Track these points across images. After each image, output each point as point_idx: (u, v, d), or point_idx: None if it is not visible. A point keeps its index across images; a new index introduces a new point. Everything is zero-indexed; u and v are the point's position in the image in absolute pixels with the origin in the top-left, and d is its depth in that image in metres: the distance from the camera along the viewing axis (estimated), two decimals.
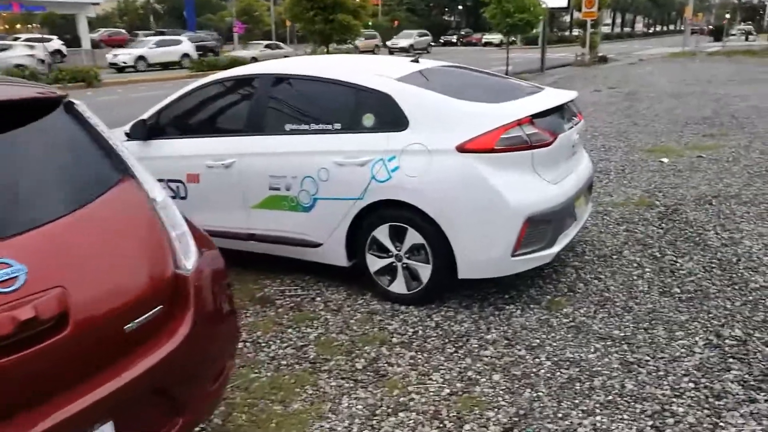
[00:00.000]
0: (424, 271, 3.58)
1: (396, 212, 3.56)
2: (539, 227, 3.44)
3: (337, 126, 3.75)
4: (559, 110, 3.83)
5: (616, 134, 9.01)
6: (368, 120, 3.67)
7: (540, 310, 3.55)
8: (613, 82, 17.02)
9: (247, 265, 4.24)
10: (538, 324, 3.40)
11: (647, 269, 4.07)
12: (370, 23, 49.57)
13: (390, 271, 3.71)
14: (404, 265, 3.65)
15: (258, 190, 3.98)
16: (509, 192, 3.34)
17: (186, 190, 4.28)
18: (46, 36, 34.22)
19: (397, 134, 3.55)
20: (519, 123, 3.37)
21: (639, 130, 9.34)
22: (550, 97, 3.96)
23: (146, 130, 4.35)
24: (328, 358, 3.16)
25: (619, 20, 73.70)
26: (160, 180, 4.42)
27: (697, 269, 4.04)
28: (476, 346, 3.20)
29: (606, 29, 61.05)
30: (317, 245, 3.88)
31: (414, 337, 3.33)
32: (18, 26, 34.05)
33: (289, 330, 3.47)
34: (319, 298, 3.87)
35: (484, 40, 47.94)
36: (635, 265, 4.15)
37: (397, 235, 3.61)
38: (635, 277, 3.94)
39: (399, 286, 3.69)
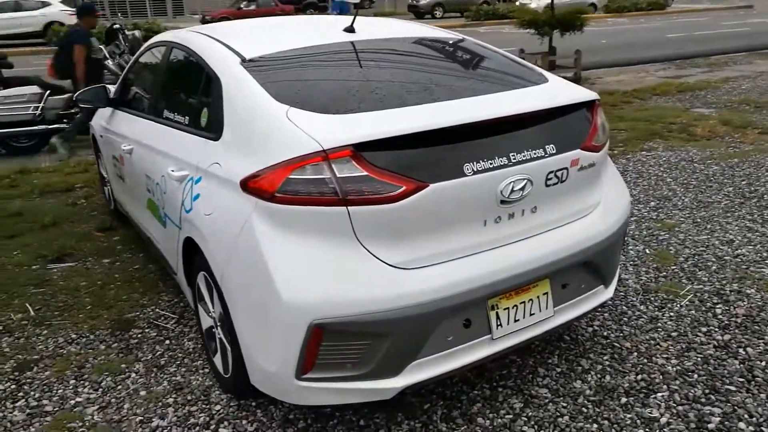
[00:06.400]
0: (227, 356, 2.38)
1: (202, 259, 2.40)
2: (351, 343, 1.92)
3: (186, 120, 2.68)
4: (506, 128, 2.08)
5: None
6: (204, 117, 2.52)
7: None
8: None
9: None
10: None
11: None
12: None
13: (214, 337, 2.59)
14: (219, 337, 2.49)
15: (143, 189, 3.17)
16: (288, 275, 1.90)
17: (123, 171, 3.70)
18: None
19: (211, 144, 2.34)
20: (325, 157, 1.85)
21: None
22: (509, 102, 2.21)
23: (107, 98, 3.87)
24: None
25: None
26: (113, 157, 4.01)
27: None
28: None
29: None
30: (175, 273, 2.95)
31: None
32: None
33: (72, 382, 2.66)
34: (168, 342, 2.95)
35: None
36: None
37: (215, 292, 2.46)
38: None
39: (219, 362, 2.55)
